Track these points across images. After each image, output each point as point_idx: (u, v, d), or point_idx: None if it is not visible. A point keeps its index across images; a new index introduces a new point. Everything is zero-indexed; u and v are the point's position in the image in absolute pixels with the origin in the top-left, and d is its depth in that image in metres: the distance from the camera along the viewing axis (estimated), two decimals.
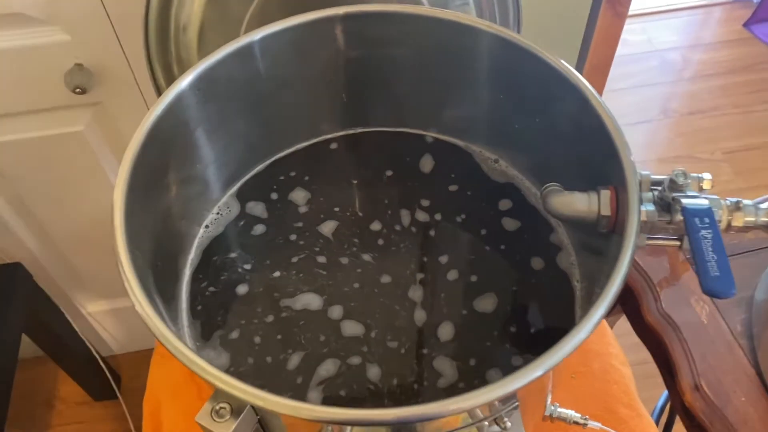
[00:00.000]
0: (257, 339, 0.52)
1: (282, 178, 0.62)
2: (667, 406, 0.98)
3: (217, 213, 0.59)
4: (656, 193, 0.44)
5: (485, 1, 0.64)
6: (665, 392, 1.00)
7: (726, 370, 0.70)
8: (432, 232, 0.58)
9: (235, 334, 0.53)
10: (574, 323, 0.52)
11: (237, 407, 0.38)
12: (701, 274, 0.36)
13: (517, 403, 0.40)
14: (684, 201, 0.41)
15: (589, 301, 0.52)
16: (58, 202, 0.93)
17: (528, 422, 0.54)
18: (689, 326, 0.74)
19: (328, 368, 0.51)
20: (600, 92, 0.97)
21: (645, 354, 0.79)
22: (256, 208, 0.60)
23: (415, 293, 0.55)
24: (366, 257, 0.57)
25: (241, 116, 0.56)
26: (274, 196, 0.60)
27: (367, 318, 0.53)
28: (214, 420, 0.37)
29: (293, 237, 0.58)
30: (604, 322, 0.74)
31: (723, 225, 0.43)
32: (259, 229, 0.59)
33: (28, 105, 0.79)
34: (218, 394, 0.38)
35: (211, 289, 0.55)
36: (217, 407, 0.38)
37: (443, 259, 0.57)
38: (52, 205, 0.93)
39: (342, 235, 0.58)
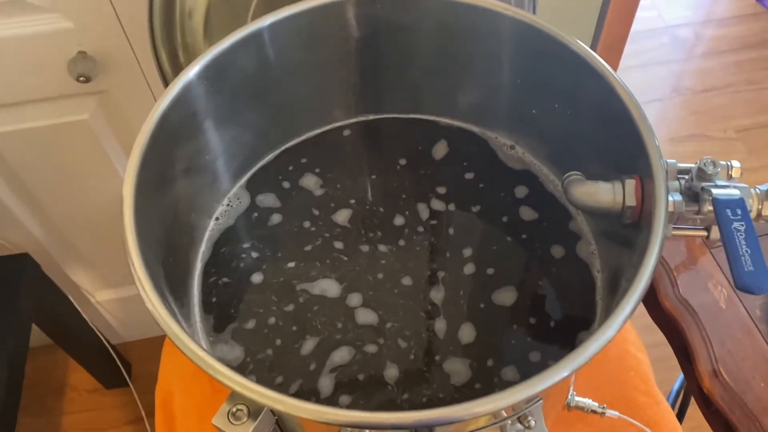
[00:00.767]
0: (271, 328, 0.52)
1: (293, 167, 0.60)
2: (682, 391, 0.98)
3: (228, 205, 0.58)
4: (683, 182, 0.43)
5: None
6: (680, 376, 0.99)
7: (745, 355, 0.70)
8: (448, 221, 0.57)
9: (247, 326, 0.52)
10: (595, 314, 0.52)
11: (254, 409, 0.37)
12: (734, 269, 0.35)
13: (540, 401, 0.39)
14: (714, 191, 0.39)
15: (610, 291, 0.51)
16: (64, 191, 0.92)
17: (549, 416, 0.53)
18: (707, 311, 0.73)
19: (342, 355, 0.50)
20: (614, 70, 0.94)
21: (658, 336, 0.78)
22: (267, 198, 0.58)
23: (431, 284, 0.54)
24: (380, 246, 0.56)
25: (251, 105, 0.55)
26: (285, 185, 0.59)
27: (382, 307, 0.52)
28: (231, 423, 0.37)
29: (306, 226, 0.57)
30: None
31: (753, 214, 0.41)
32: (270, 219, 0.57)
33: (31, 94, 0.77)
34: (235, 396, 0.37)
35: (224, 281, 0.54)
36: (234, 409, 0.37)
37: (459, 248, 0.55)
38: (58, 194, 0.92)
39: (356, 223, 0.57)
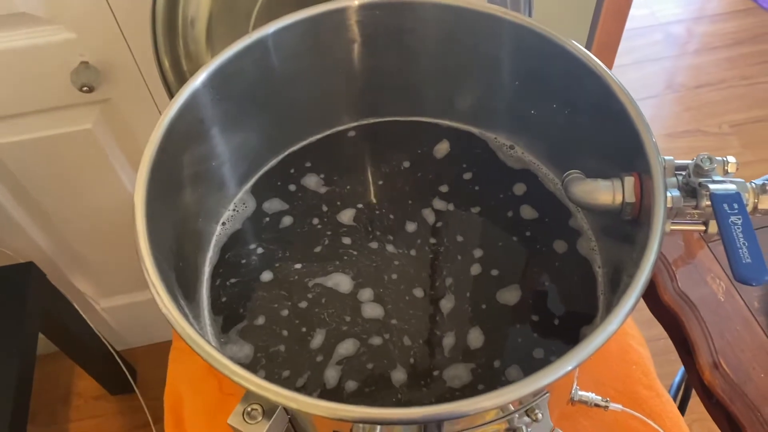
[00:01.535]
0: (278, 326, 0.53)
1: (297, 170, 0.61)
2: (683, 384, 0.99)
3: (234, 210, 0.59)
4: (681, 178, 0.44)
5: None
6: (681, 369, 1.00)
7: (744, 347, 0.70)
8: (450, 221, 0.58)
9: (255, 324, 0.53)
10: (597, 310, 0.53)
11: (269, 408, 0.38)
12: (732, 262, 0.36)
13: (547, 395, 0.40)
14: (712, 187, 0.40)
15: (612, 287, 0.51)
16: (69, 200, 0.93)
17: (554, 410, 0.54)
18: (706, 304, 0.74)
19: (347, 347, 0.51)
20: (609, 69, 0.96)
21: (657, 330, 0.79)
22: (273, 202, 0.59)
23: (434, 282, 0.54)
24: (386, 245, 0.56)
25: (255, 111, 0.56)
26: (290, 188, 0.60)
27: (388, 304, 0.53)
28: (247, 422, 0.37)
29: (312, 227, 0.58)
30: None
31: (749, 208, 0.42)
32: (276, 222, 0.58)
33: (35, 105, 0.78)
34: (249, 396, 0.38)
35: (231, 284, 0.55)
36: (249, 409, 0.38)
37: (461, 247, 0.56)
38: (62, 203, 0.93)
39: (361, 223, 0.58)
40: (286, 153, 0.62)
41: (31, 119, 0.79)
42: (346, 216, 0.59)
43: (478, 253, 0.56)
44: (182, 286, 0.49)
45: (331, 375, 0.50)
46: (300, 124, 0.61)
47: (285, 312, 0.53)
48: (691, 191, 0.43)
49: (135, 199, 0.42)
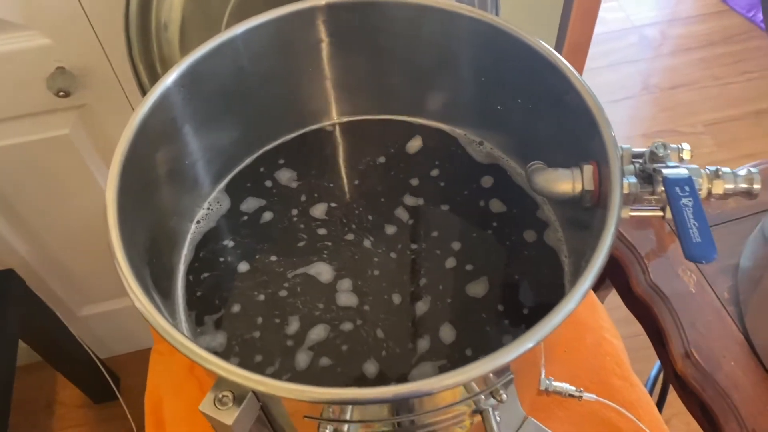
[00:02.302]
0: (252, 318, 0.54)
1: (271, 169, 0.62)
2: (660, 377, 1.00)
3: (208, 208, 0.60)
4: (637, 165, 0.45)
5: None
6: (657, 363, 1.02)
7: (715, 336, 0.72)
8: (420, 216, 0.59)
9: (229, 316, 0.54)
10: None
11: (239, 395, 0.38)
12: (683, 241, 0.38)
13: (511, 376, 0.41)
14: (665, 171, 0.42)
15: (577, 274, 0.53)
16: (47, 206, 0.93)
17: (524, 396, 0.55)
18: (678, 296, 0.75)
19: (319, 332, 0.53)
20: (580, 70, 0.98)
21: (634, 328, 0.81)
22: (248, 201, 0.60)
23: (405, 276, 0.56)
24: (360, 241, 0.58)
25: (227, 111, 0.57)
26: (264, 187, 0.61)
27: (361, 297, 0.54)
28: (218, 408, 0.38)
29: (287, 224, 0.59)
30: (595, 297, 0.76)
31: (704, 193, 0.44)
32: (250, 221, 0.59)
33: (11, 111, 0.78)
34: (220, 383, 0.39)
35: (206, 280, 0.56)
36: (220, 395, 0.39)
37: (432, 242, 0.58)
38: (41, 209, 0.93)
39: (335, 218, 0.59)
40: (260, 152, 0.63)
41: (7, 125, 0.80)
42: (320, 211, 0.60)
43: (449, 246, 0.57)
44: (157, 283, 0.50)
45: (302, 359, 0.51)
46: (273, 124, 0.63)
47: (258, 304, 0.54)
48: (647, 177, 0.44)
49: (107, 193, 0.43)
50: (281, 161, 0.62)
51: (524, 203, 0.59)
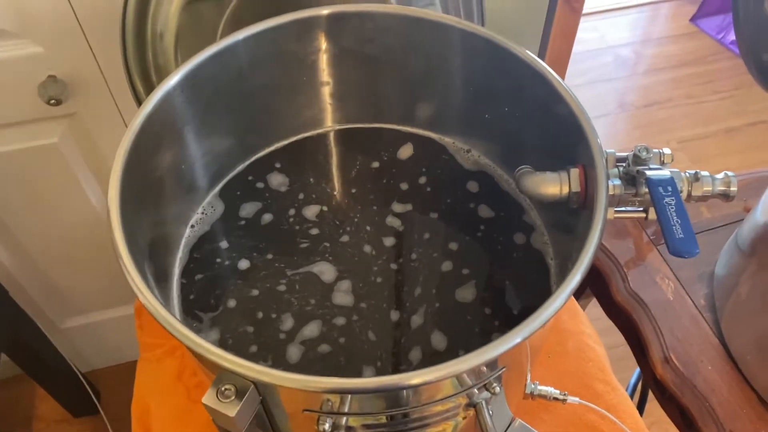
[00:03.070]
0: (244, 320, 0.54)
1: (265, 174, 0.63)
2: (640, 384, 1.02)
3: (202, 213, 0.60)
4: (621, 168, 0.47)
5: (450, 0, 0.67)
6: (637, 370, 1.04)
7: (693, 342, 0.74)
8: (412, 221, 0.61)
9: (224, 318, 0.55)
10: None
11: (241, 388, 0.39)
12: (667, 237, 0.40)
13: (503, 369, 0.42)
14: (648, 173, 0.44)
15: (563, 277, 0.55)
16: (33, 217, 0.93)
17: (511, 399, 0.56)
18: (656, 303, 0.77)
19: (312, 329, 0.53)
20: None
21: (615, 338, 0.83)
22: (241, 205, 0.61)
23: (395, 280, 0.57)
24: (348, 245, 0.59)
25: (224, 116, 0.58)
26: (258, 192, 0.62)
27: (356, 300, 0.55)
28: (220, 401, 0.39)
29: (281, 228, 0.60)
30: (577, 304, 0.78)
31: (684, 195, 0.46)
32: (243, 225, 0.60)
33: (1, 119, 0.79)
34: (222, 377, 0.39)
35: (199, 283, 0.57)
36: (222, 388, 0.39)
37: (421, 247, 0.59)
38: (26, 219, 0.93)
39: (327, 223, 0.60)
40: (255, 158, 0.64)
41: None
42: (313, 214, 0.61)
43: (437, 252, 0.59)
44: (154, 283, 0.50)
45: (294, 353, 0.52)
46: (268, 130, 0.64)
47: (252, 302, 0.55)
48: (631, 180, 0.46)
49: (109, 194, 0.44)
50: (275, 166, 0.64)
51: (511, 208, 0.60)
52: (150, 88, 0.65)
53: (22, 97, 0.76)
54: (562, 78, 1.01)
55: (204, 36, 0.63)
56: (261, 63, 0.57)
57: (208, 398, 0.39)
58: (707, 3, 1.97)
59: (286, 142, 0.65)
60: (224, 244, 0.59)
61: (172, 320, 0.39)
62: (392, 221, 0.61)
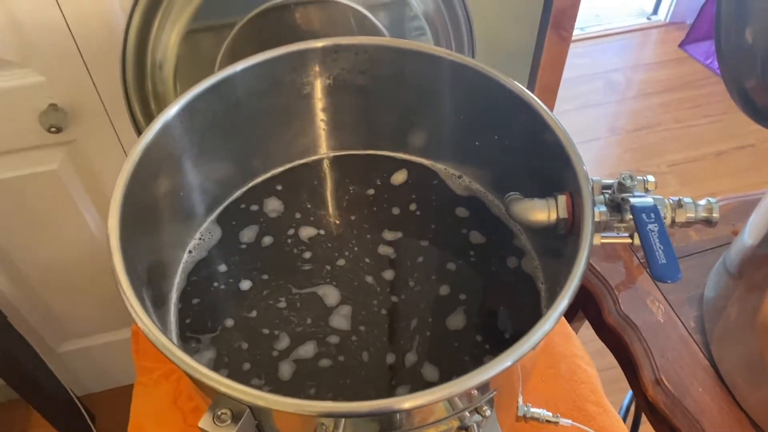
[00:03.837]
0: (240, 345, 0.55)
1: (262, 200, 0.65)
2: (633, 406, 1.02)
3: (200, 238, 0.62)
4: (607, 195, 0.49)
5: (441, 29, 0.69)
6: (629, 393, 1.04)
7: (683, 363, 0.75)
8: (403, 247, 0.62)
9: (218, 345, 0.55)
10: None
11: (237, 412, 0.40)
12: (651, 263, 0.41)
13: (494, 392, 0.43)
14: (632, 200, 0.45)
15: (553, 301, 0.56)
16: (31, 242, 0.93)
17: (503, 422, 0.57)
18: (647, 325, 0.78)
19: (307, 349, 0.54)
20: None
21: (607, 360, 0.83)
22: (239, 231, 0.63)
23: (385, 305, 0.58)
24: (345, 267, 0.60)
25: (222, 144, 0.60)
26: (255, 217, 0.63)
27: (356, 322, 0.56)
28: (217, 425, 0.40)
29: (277, 253, 0.61)
30: (569, 327, 0.79)
31: (668, 221, 0.48)
32: (240, 250, 0.61)
33: (1, 146, 0.80)
34: (219, 402, 0.40)
35: (196, 307, 0.58)
36: (219, 413, 0.40)
37: (413, 272, 0.60)
38: (24, 244, 0.93)
39: (321, 248, 0.62)
40: (251, 184, 0.65)
41: None
42: (308, 237, 0.62)
43: (428, 276, 0.60)
44: (151, 308, 0.51)
45: (286, 370, 0.53)
46: (264, 157, 0.65)
47: (247, 329, 0.56)
48: (616, 206, 0.48)
49: (109, 221, 0.45)
50: (272, 192, 0.65)
51: (502, 233, 0.62)
52: (149, 116, 0.66)
53: (23, 125, 0.77)
54: (553, 103, 1.04)
55: (203, 66, 0.64)
56: (258, 93, 0.58)
57: (205, 422, 0.40)
58: (695, 29, 2.00)
59: (282, 168, 0.67)
60: (222, 268, 0.60)
61: (169, 344, 0.40)
62: (386, 249, 0.62)
